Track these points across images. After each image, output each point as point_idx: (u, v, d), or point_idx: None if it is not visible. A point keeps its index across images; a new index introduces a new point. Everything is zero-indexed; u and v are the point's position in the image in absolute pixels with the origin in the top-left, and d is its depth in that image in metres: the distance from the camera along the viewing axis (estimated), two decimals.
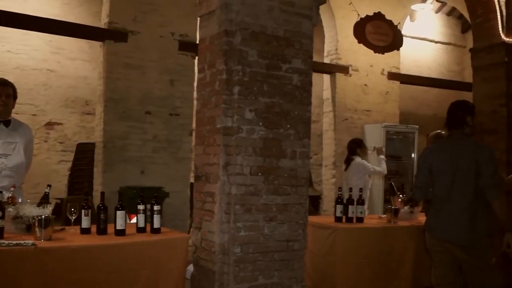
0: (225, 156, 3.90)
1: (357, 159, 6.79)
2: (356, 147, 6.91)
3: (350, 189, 5.39)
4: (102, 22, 7.63)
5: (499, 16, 6.23)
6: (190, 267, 4.21)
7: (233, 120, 3.88)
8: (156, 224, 3.95)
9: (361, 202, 5.28)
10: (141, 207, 3.95)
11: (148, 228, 3.97)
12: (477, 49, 6.54)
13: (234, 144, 3.87)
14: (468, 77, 10.12)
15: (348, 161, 6.90)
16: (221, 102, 3.92)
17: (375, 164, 7.05)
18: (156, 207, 3.95)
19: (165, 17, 7.70)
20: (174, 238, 3.93)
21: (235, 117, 3.88)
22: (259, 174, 3.95)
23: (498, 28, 6.24)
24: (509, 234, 3.72)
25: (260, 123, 3.97)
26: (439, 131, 5.50)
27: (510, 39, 6.18)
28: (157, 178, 7.42)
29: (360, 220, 5.24)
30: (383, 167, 6.95)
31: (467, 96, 7.24)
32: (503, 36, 6.20)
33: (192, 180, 5.52)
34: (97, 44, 7.85)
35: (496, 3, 6.23)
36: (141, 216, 3.94)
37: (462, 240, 3.73)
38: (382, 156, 7.04)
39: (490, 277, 3.74)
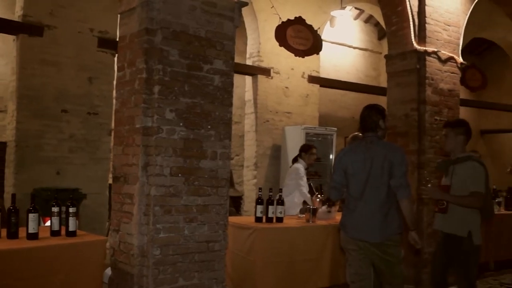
0: (145, 157, 3.84)
1: (296, 165, 6.55)
2: (301, 150, 6.69)
3: (270, 189, 5.48)
4: (16, 15, 7.27)
5: (411, 25, 6.52)
6: (108, 271, 4.12)
7: (153, 120, 3.84)
8: (72, 227, 3.84)
9: (280, 202, 5.38)
10: (55, 209, 3.83)
11: (63, 231, 3.85)
12: (391, 56, 6.82)
13: (154, 144, 3.82)
14: (383, 82, 10.58)
15: (293, 162, 6.75)
16: (140, 102, 3.86)
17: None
18: (71, 209, 3.84)
19: (84, 12, 7.47)
20: (90, 241, 3.84)
21: (155, 117, 3.83)
22: (179, 175, 3.93)
23: (411, 37, 6.54)
24: (413, 232, 4.04)
25: (181, 124, 3.94)
26: (357, 133, 5.58)
27: (422, 47, 6.51)
28: (73, 179, 7.20)
29: (280, 220, 5.34)
30: (304, 195, 6.26)
31: (382, 100, 7.55)
32: (415, 44, 6.51)
33: (110, 181, 5.38)
34: (10, 38, 7.47)
35: (409, 12, 6.52)
36: (56, 219, 3.82)
37: (375, 238, 3.89)
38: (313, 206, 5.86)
39: (400, 270, 3.96)
